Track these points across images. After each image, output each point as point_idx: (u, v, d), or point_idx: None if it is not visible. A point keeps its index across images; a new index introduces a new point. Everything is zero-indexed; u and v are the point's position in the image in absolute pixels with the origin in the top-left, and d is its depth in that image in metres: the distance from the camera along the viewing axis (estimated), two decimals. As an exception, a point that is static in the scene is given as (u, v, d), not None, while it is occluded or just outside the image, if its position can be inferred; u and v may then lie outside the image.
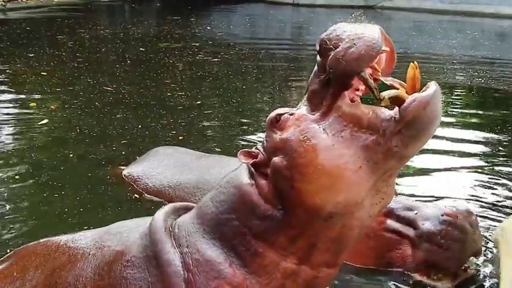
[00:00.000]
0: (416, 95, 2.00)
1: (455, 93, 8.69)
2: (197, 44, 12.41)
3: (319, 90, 2.15)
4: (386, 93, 2.01)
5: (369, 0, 19.61)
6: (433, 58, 10.92)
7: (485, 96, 8.50)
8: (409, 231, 3.53)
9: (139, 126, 6.59)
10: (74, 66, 10.11)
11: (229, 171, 2.41)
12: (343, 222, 2.14)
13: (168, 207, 2.54)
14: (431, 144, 5.89)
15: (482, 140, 6.40)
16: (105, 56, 11.71)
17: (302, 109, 2.19)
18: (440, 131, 6.57)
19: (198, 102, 7.85)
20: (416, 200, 4.64)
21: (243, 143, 6.03)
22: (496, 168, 5.53)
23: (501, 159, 5.79)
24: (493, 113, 7.59)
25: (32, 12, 17.38)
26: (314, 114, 2.14)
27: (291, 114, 2.19)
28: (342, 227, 2.15)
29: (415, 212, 3.56)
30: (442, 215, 3.44)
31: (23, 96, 8.17)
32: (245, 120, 7.01)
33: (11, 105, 7.73)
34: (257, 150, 2.27)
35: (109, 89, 8.42)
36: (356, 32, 2.05)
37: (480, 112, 7.65)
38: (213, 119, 7.10)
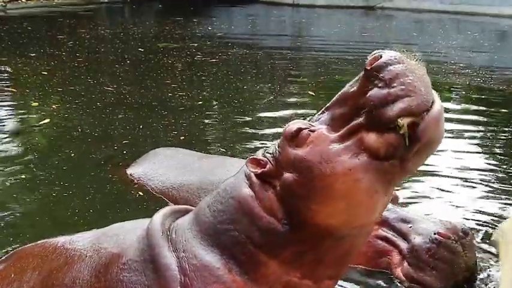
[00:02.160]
0: (427, 116, 1.96)
1: (455, 93, 8.70)
2: (195, 45, 12.41)
3: (348, 114, 2.07)
4: (404, 121, 1.97)
5: (369, 0, 19.59)
6: (433, 58, 10.92)
7: (485, 97, 8.51)
8: (401, 243, 3.51)
9: (141, 126, 6.60)
10: (74, 66, 10.11)
11: (228, 177, 2.37)
12: (353, 240, 2.16)
13: (166, 210, 2.52)
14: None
15: (482, 137, 6.44)
16: (105, 56, 11.71)
17: (322, 127, 2.12)
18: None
19: (199, 102, 7.86)
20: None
21: (245, 143, 6.04)
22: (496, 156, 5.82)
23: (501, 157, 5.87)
24: (493, 113, 7.60)
25: (32, 12, 17.38)
26: (334, 134, 2.08)
27: (311, 131, 2.11)
28: (350, 244, 2.17)
29: (410, 225, 3.53)
30: (435, 233, 3.38)
31: (24, 95, 8.18)
32: (246, 121, 7.01)
33: (12, 104, 7.74)
34: (265, 159, 2.20)
35: (109, 89, 8.43)
36: (415, 85, 1.96)
37: (480, 111, 7.66)
38: (214, 120, 7.12)
